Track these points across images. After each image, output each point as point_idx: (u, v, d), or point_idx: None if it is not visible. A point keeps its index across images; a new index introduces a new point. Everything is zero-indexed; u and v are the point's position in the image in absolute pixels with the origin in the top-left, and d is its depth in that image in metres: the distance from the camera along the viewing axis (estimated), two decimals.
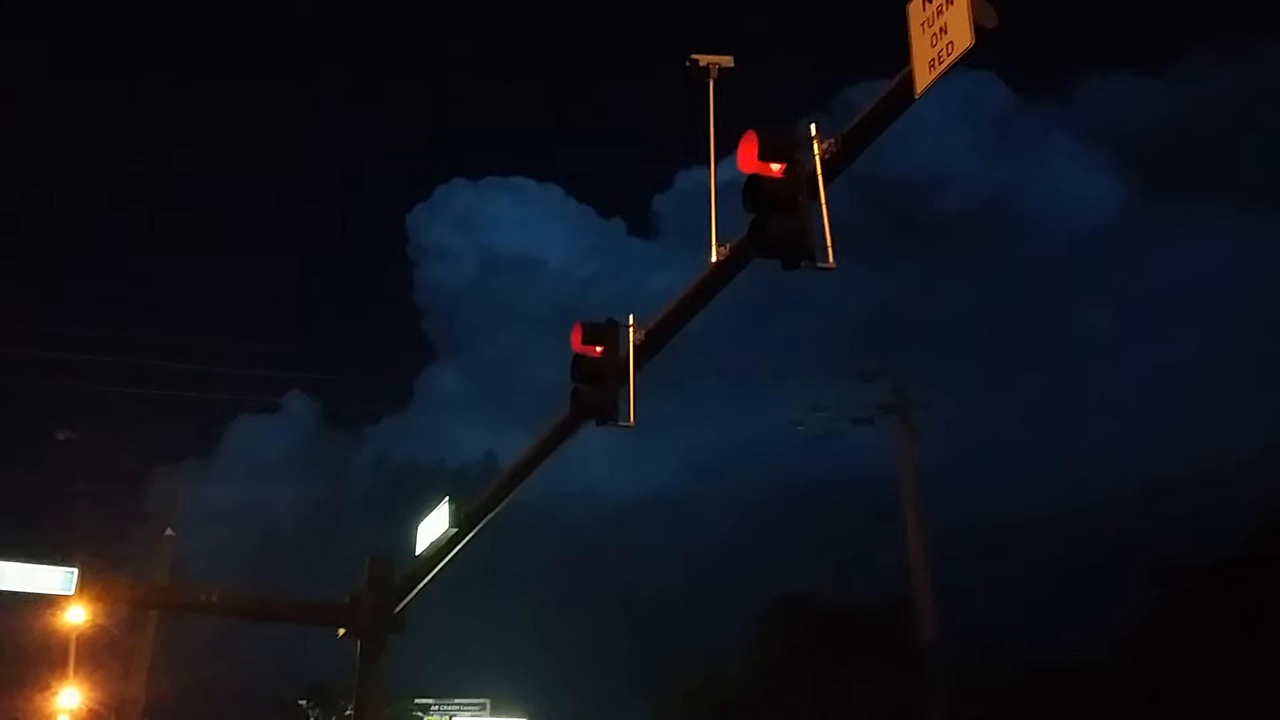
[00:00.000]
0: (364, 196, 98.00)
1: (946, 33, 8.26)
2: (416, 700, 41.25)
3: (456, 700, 44.91)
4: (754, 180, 9.51)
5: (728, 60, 11.07)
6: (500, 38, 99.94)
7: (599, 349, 11.95)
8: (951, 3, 8.24)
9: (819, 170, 9.43)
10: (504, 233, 75.47)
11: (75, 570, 19.28)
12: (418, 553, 17.78)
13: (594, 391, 11.94)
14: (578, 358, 12.02)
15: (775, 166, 9.49)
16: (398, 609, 19.20)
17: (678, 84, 11.07)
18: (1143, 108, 70.44)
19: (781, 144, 9.54)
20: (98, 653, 33.38)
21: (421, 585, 18.38)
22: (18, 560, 19.29)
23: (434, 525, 17.17)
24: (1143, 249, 65.98)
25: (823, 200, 9.38)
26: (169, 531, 33.58)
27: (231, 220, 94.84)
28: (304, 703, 39.43)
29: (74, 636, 32.22)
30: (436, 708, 43.68)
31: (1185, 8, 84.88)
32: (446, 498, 16.96)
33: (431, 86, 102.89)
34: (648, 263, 70.16)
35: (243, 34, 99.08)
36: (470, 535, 16.73)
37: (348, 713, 27.22)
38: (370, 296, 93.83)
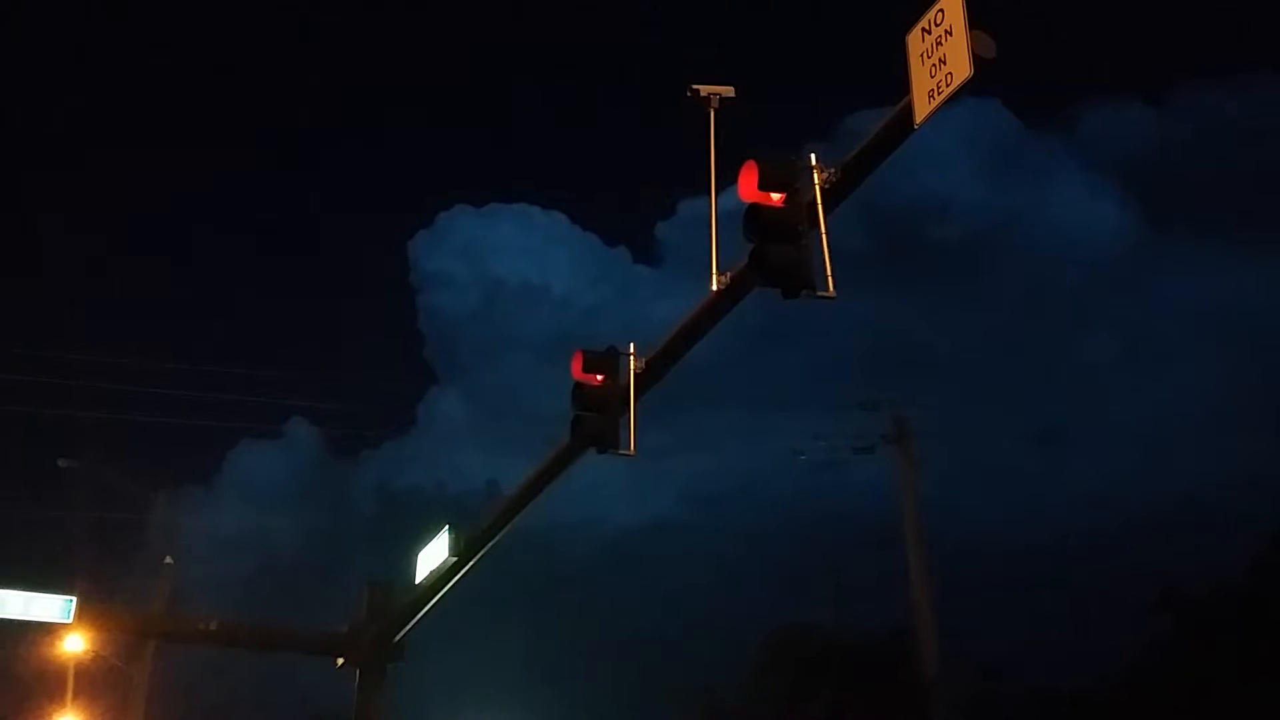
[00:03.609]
0: (366, 222, 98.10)
1: (946, 63, 8.32)
2: None
3: None
4: (754, 209, 9.55)
5: (728, 90, 11.14)
6: (503, 64, 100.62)
7: (599, 377, 11.96)
8: (950, 34, 8.30)
9: (819, 199, 9.46)
10: (507, 259, 75.43)
11: (74, 598, 19.26)
12: (417, 581, 17.71)
13: (595, 419, 11.94)
14: (578, 385, 12.03)
15: (775, 196, 9.53)
16: (397, 638, 19.10)
17: (681, 111, 11.13)
18: (1146, 137, 70.58)
19: (781, 173, 9.58)
20: (96, 682, 33.15)
21: (421, 614, 18.29)
22: (16, 588, 19.29)
23: (434, 554, 17.12)
24: (1147, 278, 65.91)
25: (823, 229, 9.42)
26: (168, 559, 33.52)
27: (234, 247, 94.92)
28: None
29: (72, 665, 32.04)
30: None
31: (1187, 38, 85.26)
32: (446, 526, 16.92)
33: (434, 112, 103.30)
34: (652, 290, 69.97)
35: (241, 57, 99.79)
36: (470, 564, 16.67)
37: None
38: (373, 323, 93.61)
